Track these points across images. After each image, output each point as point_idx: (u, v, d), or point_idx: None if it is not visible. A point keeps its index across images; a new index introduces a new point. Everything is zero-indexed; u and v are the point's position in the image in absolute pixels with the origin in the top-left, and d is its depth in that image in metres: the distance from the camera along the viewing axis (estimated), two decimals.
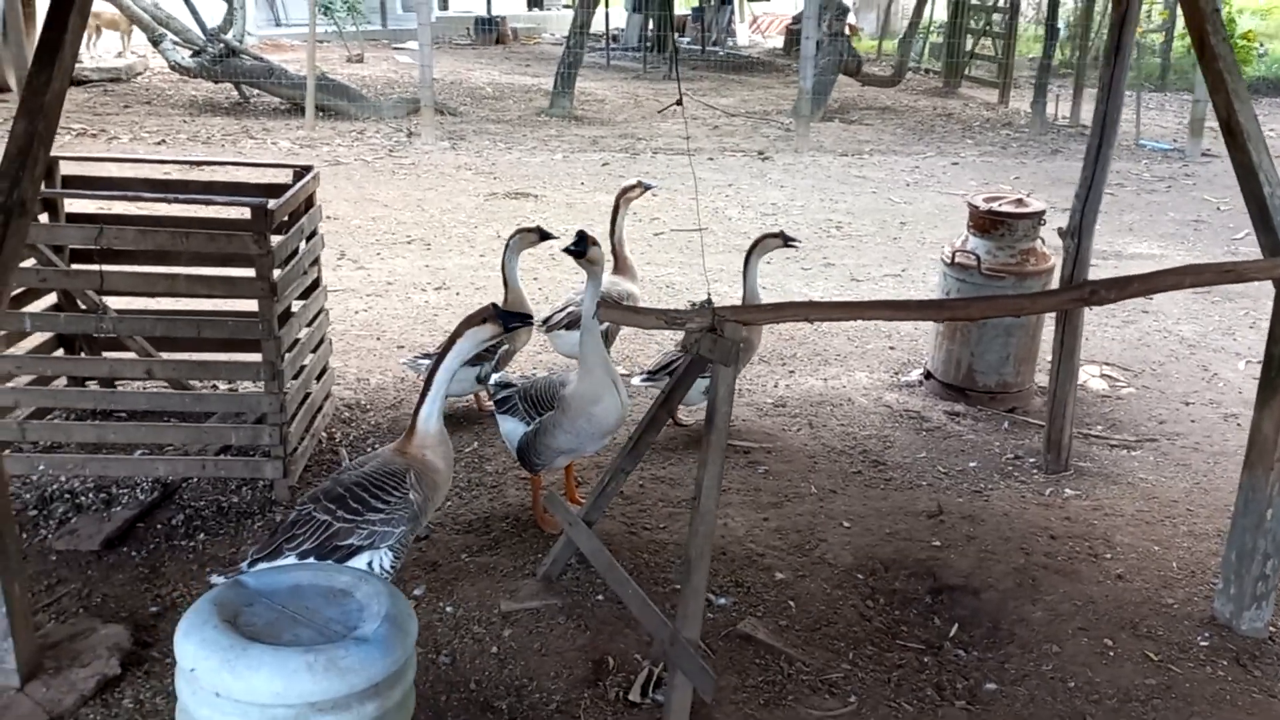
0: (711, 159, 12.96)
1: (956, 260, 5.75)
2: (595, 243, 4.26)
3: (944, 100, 18.46)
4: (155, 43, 14.57)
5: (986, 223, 5.69)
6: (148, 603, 3.88)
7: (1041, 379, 6.09)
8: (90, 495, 4.46)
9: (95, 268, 4.23)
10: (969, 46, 19.80)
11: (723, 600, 4.01)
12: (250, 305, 4.29)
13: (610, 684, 3.56)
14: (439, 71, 16.40)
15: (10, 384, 4.47)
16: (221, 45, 14.62)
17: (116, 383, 5.17)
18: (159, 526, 4.34)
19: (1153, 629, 3.88)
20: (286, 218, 4.59)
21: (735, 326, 3.35)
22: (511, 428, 4.43)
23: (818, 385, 6.10)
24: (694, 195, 10.55)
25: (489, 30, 25.41)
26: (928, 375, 6.10)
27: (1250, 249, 9.40)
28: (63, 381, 4.97)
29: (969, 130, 15.65)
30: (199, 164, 5.78)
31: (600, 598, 3.99)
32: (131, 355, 4.77)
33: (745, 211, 10.37)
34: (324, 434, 5.16)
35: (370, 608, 2.36)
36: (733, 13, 26.83)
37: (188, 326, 4.38)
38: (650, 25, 22.89)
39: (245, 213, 4.10)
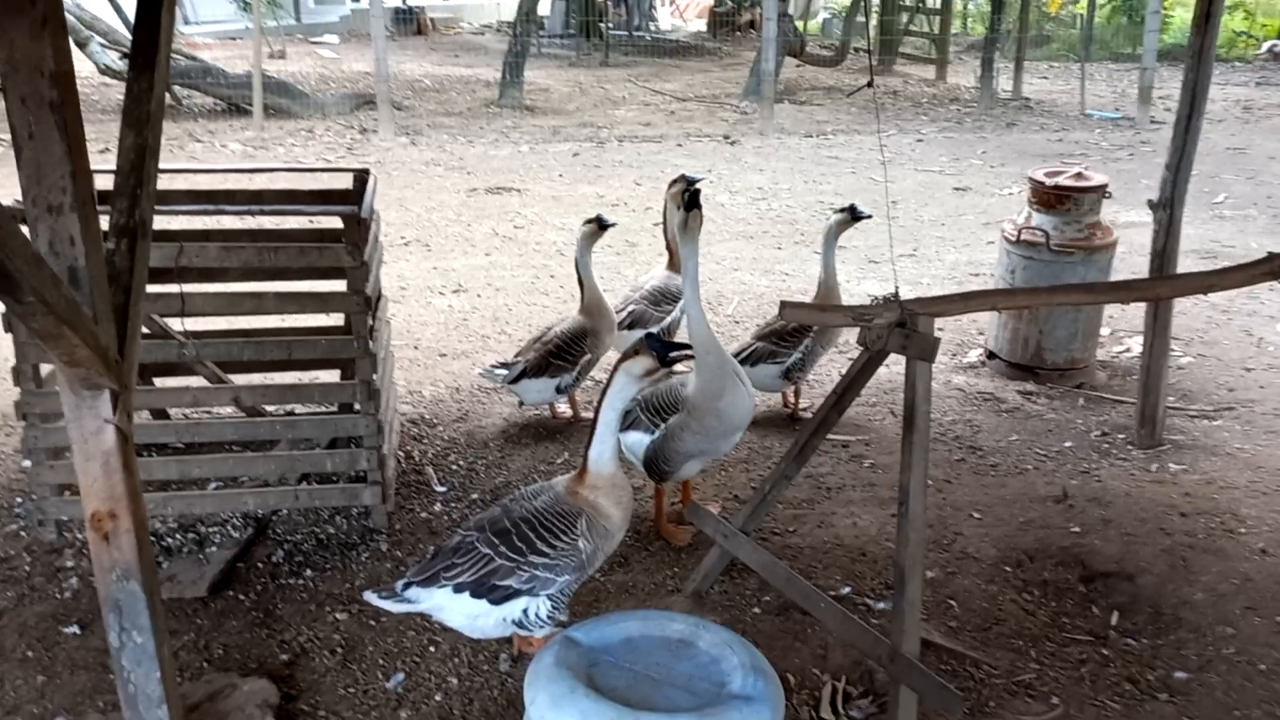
0: (680, 145, 12.77)
1: (1023, 238, 5.66)
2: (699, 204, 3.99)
3: (882, 79, 18.51)
4: (81, 45, 13.74)
5: (1052, 198, 5.61)
6: (275, 650, 3.56)
7: (1098, 353, 6.06)
8: (177, 536, 4.10)
9: (174, 288, 3.85)
10: (903, 23, 19.95)
11: (881, 604, 3.84)
12: (307, 320, 3.98)
13: (797, 702, 3.37)
14: (366, 65, 15.71)
15: None
16: None
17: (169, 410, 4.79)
18: (260, 565, 4.01)
19: None
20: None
21: (929, 320, 3.19)
22: (635, 439, 4.17)
23: (882, 371, 5.94)
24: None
25: (408, 21, 24.77)
26: (990, 355, 6.02)
27: (1231, 211, 9.58)
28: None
29: (919, 107, 15.73)
30: (245, 172, 5.39)
31: (757, 610, 3.80)
32: (202, 381, 4.41)
33: (735, 197, 10.20)
34: (400, 453, 4.86)
35: (726, 659, 2.10)
36: None
37: (278, 348, 4.03)
38: (574, 10, 22.57)
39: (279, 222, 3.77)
